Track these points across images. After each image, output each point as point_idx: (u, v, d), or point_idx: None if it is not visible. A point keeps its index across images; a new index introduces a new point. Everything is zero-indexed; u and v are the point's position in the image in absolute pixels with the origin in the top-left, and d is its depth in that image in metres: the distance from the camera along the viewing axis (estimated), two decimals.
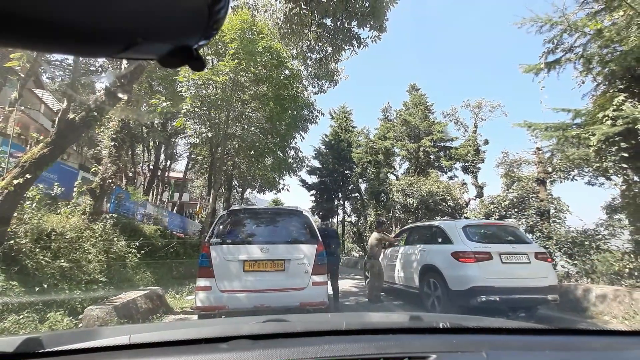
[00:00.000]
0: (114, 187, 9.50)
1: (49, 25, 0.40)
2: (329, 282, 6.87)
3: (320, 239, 5.13)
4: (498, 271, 5.47)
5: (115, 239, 7.89)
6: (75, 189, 8.31)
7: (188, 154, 30.47)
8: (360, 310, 7.01)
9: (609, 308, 6.55)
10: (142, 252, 8.41)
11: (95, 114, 5.31)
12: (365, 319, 2.27)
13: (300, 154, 21.87)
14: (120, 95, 5.90)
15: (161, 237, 13.36)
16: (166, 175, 31.59)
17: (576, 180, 10.93)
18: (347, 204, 32.74)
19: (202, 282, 4.65)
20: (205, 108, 14.05)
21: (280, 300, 4.64)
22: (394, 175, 23.82)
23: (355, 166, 25.42)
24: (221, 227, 5.04)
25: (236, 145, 19.06)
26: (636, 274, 7.54)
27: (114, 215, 9.27)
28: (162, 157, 28.20)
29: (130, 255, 8.00)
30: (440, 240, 6.43)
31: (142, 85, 15.84)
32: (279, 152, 18.27)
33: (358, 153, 24.74)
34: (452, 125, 22.01)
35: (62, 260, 5.66)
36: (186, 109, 12.85)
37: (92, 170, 9.87)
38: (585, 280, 9.02)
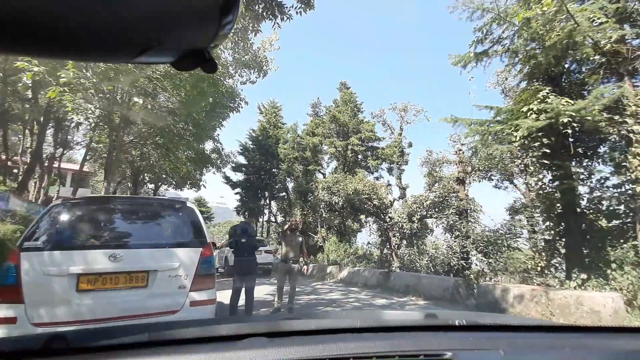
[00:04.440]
0: None
1: (68, 33, 0.41)
2: (243, 292, 5.52)
3: (208, 240, 3.74)
4: None
5: None
6: None
7: (88, 141, 25.80)
8: None
9: (526, 309, 6.42)
10: None
11: None
12: (381, 316, 2.13)
13: (218, 145, 19.78)
14: None
15: None
16: (55, 165, 26.25)
17: (492, 180, 11.43)
18: (273, 203, 31.28)
19: (2, 311, 2.92)
20: (95, 79, 11.32)
21: None
22: (322, 173, 23.20)
23: (282, 163, 24.17)
24: (47, 224, 3.32)
25: (143, 131, 16.29)
26: (546, 271, 7.72)
27: None
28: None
29: None
30: None
31: None
32: (193, 142, 16.07)
33: (285, 149, 23.53)
34: (380, 126, 22.22)
35: None
36: (66, 77, 10.09)
37: None
38: (500, 278, 9.21)
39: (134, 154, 19.64)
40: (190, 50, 0.49)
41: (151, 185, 27.33)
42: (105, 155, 19.09)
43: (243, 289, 5.62)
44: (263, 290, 9.26)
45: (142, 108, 13.19)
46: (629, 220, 7.83)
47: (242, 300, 5.69)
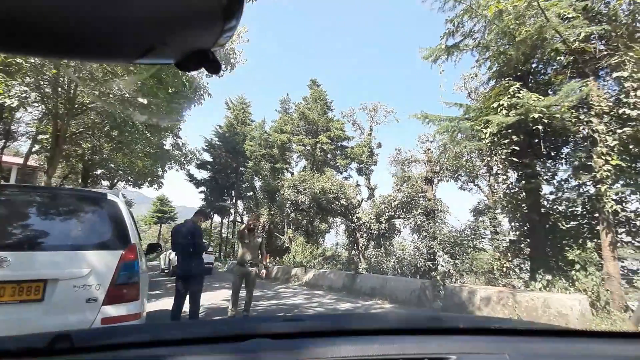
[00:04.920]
0: None
1: (71, 33, 0.42)
2: (189, 302, 4.81)
3: (133, 241, 3.06)
4: None
5: None
6: None
7: (34, 132, 23.41)
8: None
9: (493, 311, 6.24)
10: None
11: None
12: (384, 319, 1.90)
13: (179, 139, 18.58)
14: None
15: None
16: None
17: (459, 181, 11.44)
18: (240, 203, 30.15)
19: None
20: (34, 60, 10.05)
21: None
22: (290, 172, 22.55)
23: (249, 160, 23.24)
24: None
25: (97, 122, 14.87)
26: (511, 273, 7.65)
27: None
28: None
29: None
30: None
31: None
32: (150, 136, 14.87)
33: (251, 145, 22.63)
34: (350, 126, 21.97)
35: None
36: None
37: None
38: (466, 279, 9.10)
39: (85, 146, 17.99)
40: (193, 50, 0.49)
41: (106, 182, 25.38)
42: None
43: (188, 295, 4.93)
44: (219, 296, 8.54)
45: (90, 95, 11.97)
46: (585, 221, 7.98)
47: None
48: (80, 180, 21.68)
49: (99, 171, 22.75)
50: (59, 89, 11.97)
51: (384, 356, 0.94)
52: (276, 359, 0.93)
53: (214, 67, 0.52)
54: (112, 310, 2.75)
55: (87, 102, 12.04)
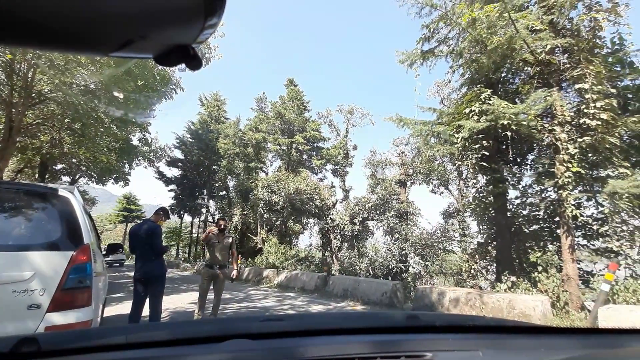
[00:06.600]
0: None
1: (46, 24, 0.41)
2: (149, 306, 4.50)
3: (86, 241, 2.80)
4: None
5: None
6: None
7: None
8: None
9: (461, 312, 6.36)
10: None
11: None
12: (363, 318, 1.91)
13: (147, 134, 17.79)
14: None
15: None
16: None
17: (430, 184, 11.72)
18: (212, 202, 29.33)
19: None
20: None
21: None
22: (264, 172, 22.21)
23: (222, 159, 22.64)
24: None
25: (55, 111, 13.93)
26: (478, 274, 7.88)
27: None
28: None
29: None
30: None
31: None
32: (116, 130, 14.13)
33: (225, 143, 22.07)
34: (326, 127, 22.00)
35: None
36: None
37: None
38: (435, 281, 9.31)
39: (43, 139, 16.83)
40: (173, 45, 0.48)
41: (66, 178, 23.83)
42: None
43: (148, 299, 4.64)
44: (186, 299, 8.19)
45: (50, 84, 11.17)
46: (546, 225, 8.39)
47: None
48: (37, 175, 20.25)
49: (59, 166, 21.35)
50: (14, 76, 11.10)
51: (362, 354, 0.94)
52: None
53: (195, 64, 0.50)
54: (58, 318, 2.50)
55: (47, 91, 11.25)
